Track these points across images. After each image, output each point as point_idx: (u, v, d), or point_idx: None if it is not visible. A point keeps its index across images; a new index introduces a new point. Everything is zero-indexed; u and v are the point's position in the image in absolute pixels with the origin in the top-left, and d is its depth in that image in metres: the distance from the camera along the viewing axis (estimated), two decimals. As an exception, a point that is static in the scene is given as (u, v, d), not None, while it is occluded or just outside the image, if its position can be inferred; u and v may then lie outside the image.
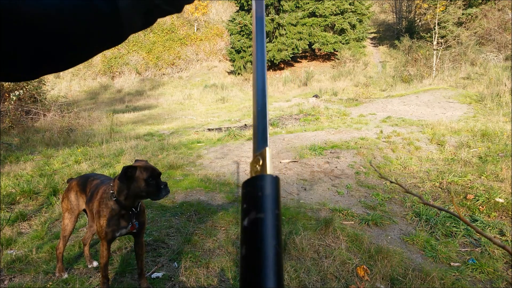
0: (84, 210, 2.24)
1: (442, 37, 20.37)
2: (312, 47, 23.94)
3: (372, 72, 21.32)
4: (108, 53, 24.08)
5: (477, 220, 3.39)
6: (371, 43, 28.08)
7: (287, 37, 22.08)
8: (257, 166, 0.27)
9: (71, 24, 0.43)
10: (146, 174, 1.82)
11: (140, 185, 1.81)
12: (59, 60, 0.45)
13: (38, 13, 0.42)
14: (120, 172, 1.83)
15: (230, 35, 23.45)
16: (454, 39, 20.24)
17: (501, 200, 3.64)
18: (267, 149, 0.28)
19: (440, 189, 4.27)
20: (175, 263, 2.49)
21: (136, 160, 1.98)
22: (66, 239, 2.27)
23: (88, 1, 0.43)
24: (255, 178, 0.26)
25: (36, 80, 8.81)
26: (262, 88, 0.35)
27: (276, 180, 0.27)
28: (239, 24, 22.27)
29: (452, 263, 2.70)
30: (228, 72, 24.08)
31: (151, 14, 0.46)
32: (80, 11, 0.43)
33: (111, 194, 1.87)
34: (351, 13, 23.55)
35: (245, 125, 9.18)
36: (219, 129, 8.76)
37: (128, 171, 1.80)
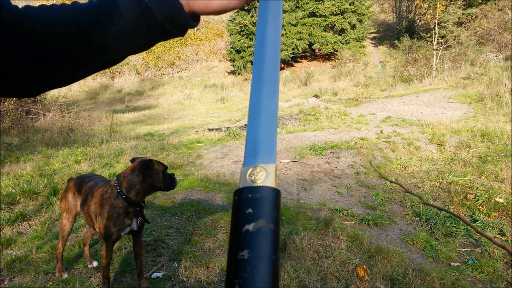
0: None
1: (442, 37, 20.37)
2: (312, 47, 23.94)
3: (372, 72, 21.31)
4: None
5: (477, 220, 3.39)
6: (371, 43, 28.07)
7: (287, 37, 22.09)
8: (262, 174, 0.28)
9: (76, 43, 0.44)
10: (162, 166, 1.89)
11: (159, 177, 1.87)
12: (61, 74, 0.46)
13: (44, 31, 0.43)
14: (135, 167, 1.84)
15: (230, 35, 23.46)
16: (454, 39, 20.24)
17: (501, 200, 3.64)
18: (275, 165, 0.29)
19: (440, 189, 4.27)
20: (175, 263, 2.49)
21: (135, 158, 1.98)
22: (65, 239, 2.27)
23: (94, 21, 0.43)
24: (267, 189, 0.27)
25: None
26: (274, 79, 0.34)
27: (280, 195, 0.28)
28: (239, 24, 22.29)
29: (452, 263, 2.70)
30: (228, 72, 24.09)
31: (153, 34, 0.46)
32: (85, 30, 0.44)
33: (117, 193, 1.85)
34: (351, 13, 23.55)
35: (245, 125, 9.18)
36: (219, 129, 8.76)
37: (150, 164, 1.83)
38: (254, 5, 24.10)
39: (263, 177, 0.27)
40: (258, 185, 0.27)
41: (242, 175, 0.28)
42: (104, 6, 0.44)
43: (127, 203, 1.84)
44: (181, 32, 0.46)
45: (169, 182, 1.92)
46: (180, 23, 0.44)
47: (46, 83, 0.47)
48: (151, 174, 1.84)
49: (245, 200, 0.27)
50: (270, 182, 0.27)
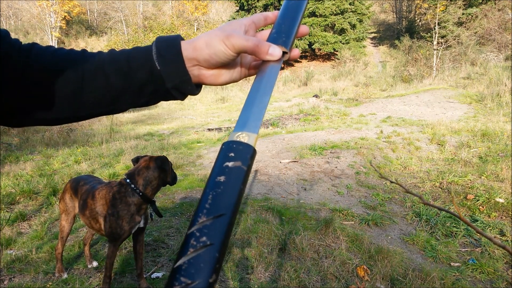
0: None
1: (442, 37, 20.37)
2: (312, 47, 23.94)
3: (372, 72, 21.31)
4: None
5: (477, 220, 3.39)
6: (371, 43, 28.08)
7: (287, 37, 22.07)
8: (245, 137, 0.36)
9: (75, 91, 0.45)
10: (170, 163, 1.97)
11: (170, 173, 1.96)
12: (51, 116, 0.47)
13: (46, 72, 0.45)
14: (149, 165, 1.90)
15: (230, 35, 23.44)
16: (454, 39, 20.23)
17: (501, 200, 3.64)
18: (256, 136, 0.37)
19: (440, 189, 4.27)
20: (175, 263, 2.48)
21: (139, 156, 1.99)
22: (64, 240, 2.27)
23: (104, 75, 0.45)
24: (248, 145, 0.35)
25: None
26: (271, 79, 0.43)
27: (255, 153, 0.37)
28: (239, 24, 22.26)
29: (452, 263, 2.70)
30: (228, 72, 24.06)
31: (157, 96, 0.49)
32: (94, 83, 0.46)
33: (132, 191, 1.87)
34: (351, 13, 23.55)
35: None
36: (219, 129, 8.76)
37: (166, 160, 1.92)
38: (254, 5, 24.10)
39: (246, 139, 0.36)
40: (242, 141, 0.35)
41: (231, 135, 0.37)
42: (114, 61, 0.46)
43: (143, 199, 1.88)
44: (183, 98, 0.49)
45: (175, 177, 2.05)
46: (185, 91, 0.48)
47: (31, 120, 0.47)
48: (167, 169, 1.92)
49: (230, 147, 0.35)
50: (251, 143, 0.36)
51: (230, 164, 0.33)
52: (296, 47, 24.81)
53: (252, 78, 0.51)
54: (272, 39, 0.45)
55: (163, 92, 0.48)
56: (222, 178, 0.32)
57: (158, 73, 0.45)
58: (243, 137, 0.36)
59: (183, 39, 0.47)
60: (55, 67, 0.45)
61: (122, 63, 0.46)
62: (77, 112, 0.47)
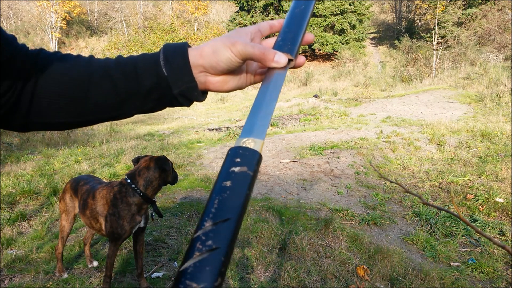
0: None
1: (442, 37, 20.39)
2: (312, 47, 23.95)
3: (372, 72, 21.32)
4: (109, 53, 24.09)
5: (476, 220, 3.39)
6: (371, 43, 28.09)
7: (287, 37, 22.07)
8: (252, 143, 0.36)
9: (82, 95, 0.46)
10: (171, 162, 1.98)
11: (170, 173, 1.98)
12: (56, 120, 0.47)
13: (53, 77, 0.45)
14: (149, 165, 1.91)
15: (230, 35, 23.44)
16: (454, 39, 20.25)
17: (500, 200, 3.64)
18: (262, 142, 0.37)
19: (440, 189, 4.28)
20: (175, 263, 2.49)
21: (139, 157, 2.00)
22: (64, 239, 2.27)
23: (110, 80, 0.46)
24: (254, 151, 0.35)
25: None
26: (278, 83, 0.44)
27: (261, 159, 0.37)
28: (239, 24, 22.28)
29: (451, 263, 2.71)
30: (228, 72, 24.04)
31: (163, 102, 0.49)
32: (100, 87, 0.46)
33: (133, 191, 1.88)
34: (351, 13, 23.56)
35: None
36: (219, 129, 8.77)
37: (167, 160, 1.94)
38: (254, 6, 24.11)
39: (252, 145, 0.36)
40: (248, 147, 0.36)
41: (237, 141, 0.37)
42: (121, 66, 0.46)
43: (144, 199, 1.89)
44: (189, 104, 0.50)
45: (176, 177, 2.06)
46: (192, 98, 0.48)
47: (37, 125, 0.48)
48: (167, 169, 1.92)
49: (237, 153, 0.35)
50: (257, 149, 0.36)
51: (236, 169, 0.33)
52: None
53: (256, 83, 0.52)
54: (278, 46, 0.45)
55: (169, 98, 0.48)
56: (228, 183, 0.32)
57: (165, 79, 0.46)
58: (249, 143, 0.36)
59: (190, 46, 0.47)
60: (62, 71, 0.45)
61: (129, 68, 0.46)
62: (83, 116, 0.47)
